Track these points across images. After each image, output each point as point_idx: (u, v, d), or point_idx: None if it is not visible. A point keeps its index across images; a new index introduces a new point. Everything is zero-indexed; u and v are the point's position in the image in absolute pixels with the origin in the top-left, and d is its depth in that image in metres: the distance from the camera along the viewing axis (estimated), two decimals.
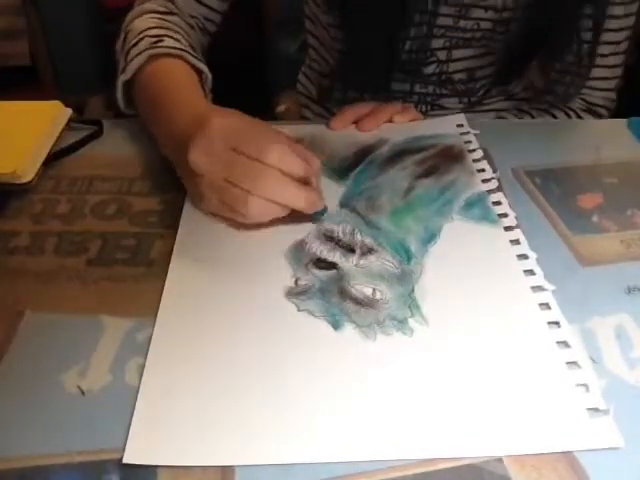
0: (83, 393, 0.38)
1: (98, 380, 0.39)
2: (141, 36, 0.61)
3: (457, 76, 0.72)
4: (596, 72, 0.71)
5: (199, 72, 0.60)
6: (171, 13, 0.67)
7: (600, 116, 0.76)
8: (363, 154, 0.58)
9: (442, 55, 0.70)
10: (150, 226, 0.51)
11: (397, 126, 0.62)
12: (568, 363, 0.39)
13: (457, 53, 0.69)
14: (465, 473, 0.34)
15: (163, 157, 0.56)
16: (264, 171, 0.45)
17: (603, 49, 0.68)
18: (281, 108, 1.05)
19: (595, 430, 0.36)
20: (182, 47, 0.60)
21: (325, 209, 0.49)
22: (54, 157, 0.58)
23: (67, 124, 0.62)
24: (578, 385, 0.38)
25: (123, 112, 0.62)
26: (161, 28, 0.63)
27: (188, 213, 0.51)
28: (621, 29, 0.68)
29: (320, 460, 0.35)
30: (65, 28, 1.75)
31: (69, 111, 0.63)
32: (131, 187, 0.55)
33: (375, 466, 0.35)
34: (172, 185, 0.55)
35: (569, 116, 0.74)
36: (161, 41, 0.60)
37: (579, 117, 0.75)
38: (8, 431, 0.37)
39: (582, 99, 0.75)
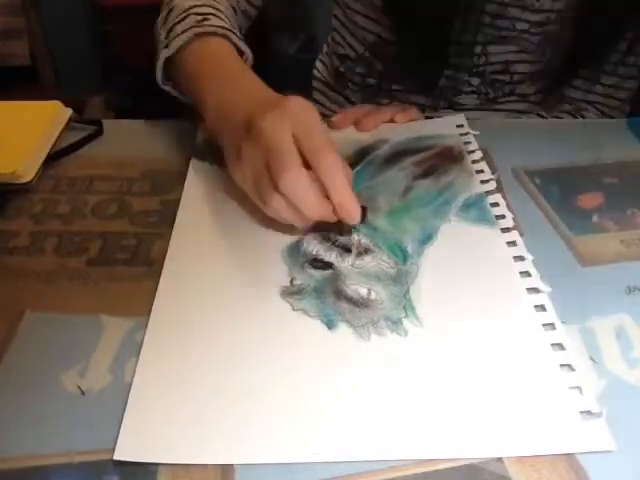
0: (83, 393, 0.39)
1: (98, 380, 0.39)
2: (187, 13, 0.61)
3: (491, 68, 0.72)
4: (613, 80, 0.71)
5: (241, 53, 0.60)
6: None
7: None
8: (362, 154, 0.58)
9: (477, 49, 0.70)
10: (150, 226, 0.51)
11: (397, 126, 0.62)
12: (562, 365, 0.39)
13: (492, 49, 0.69)
14: (465, 473, 0.34)
15: (169, 156, 0.56)
16: (297, 169, 0.44)
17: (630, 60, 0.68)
18: None
19: (587, 433, 0.36)
20: (227, 26, 0.60)
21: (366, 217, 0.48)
22: (54, 157, 0.58)
23: (67, 124, 0.62)
24: (572, 388, 0.38)
25: (160, 86, 0.61)
26: (206, 6, 0.62)
27: (184, 213, 0.51)
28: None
29: (319, 459, 0.35)
30: (65, 28, 1.75)
31: (69, 111, 0.63)
32: (131, 187, 0.55)
33: (375, 466, 0.35)
34: (172, 185, 0.55)
35: None
36: (207, 19, 0.60)
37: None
38: (8, 431, 0.37)
39: (597, 108, 0.74)
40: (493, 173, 0.55)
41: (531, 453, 0.35)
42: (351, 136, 0.61)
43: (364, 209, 0.47)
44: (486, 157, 0.57)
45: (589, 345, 0.41)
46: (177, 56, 0.58)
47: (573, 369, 0.39)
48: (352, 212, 0.45)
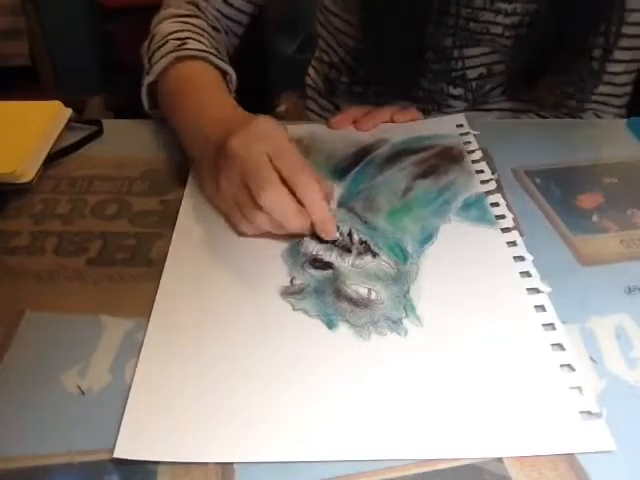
0: (83, 393, 0.39)
1: (98, 380, 0.39)
2: (166, 39, 0.62)
3: (473, 72, 0.71)
4: (610, 90, 0.71)
5: (224, 73, 0.61)
6: (195, 16, 0.68)
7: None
8: (362, 154, 0.58)
9: (455, 53, 0.69)
10: (150, 226, 0.51)
11: (396, 126, 0.62)
12: (562, 366, 0.39)
13: (468, 51, 0.69)
14: (465, 473, 0.34)
15: (169, 156, 0.56)
16: (278, 187, 0.45)
17: (617, 67, 0.68)
18: (281, 108, 1.05)
19: (587, 433, 0.36)
20: (205, 49, 0.61)
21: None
22: (54, 157, 0.58)
23: (67, 124, 0.62)
24: (572, 388, 0.38)
25: (147, 113, 0.63)
26: (185, 31, 0.64)
27: (185, 212, 0.51)
28: (631, 48, 0.67)
29: (319, 459, 0.35)
30: (65, 28, 1.75)
31: (69, 111, 0.63)
32: (131, 187, 0.55)
33: (375, 466, 0.35)
34: (172, 185, 0.55)
35: None
36: (185, 44, 0.61)
37: None
38: (8, 431, 0.37)
39: (596, 115, 0.74)
40: (493, 173, 0.55)
41: (531, 453, 0.35)
42: (351, 136, 0.61)
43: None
44: (486, 157, 0.57)
45: (589, 345, 0.41)
46: (159, 81, 0.60)
47: (573, 369, 0.39)
48: (329, 230, 0.47)
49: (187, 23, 0.66)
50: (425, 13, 0.64)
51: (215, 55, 0.61)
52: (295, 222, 0.46)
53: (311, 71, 0.87)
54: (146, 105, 0.62)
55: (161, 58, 0.60)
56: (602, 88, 0.71)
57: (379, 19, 0.66)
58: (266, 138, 0.47)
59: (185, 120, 0.56)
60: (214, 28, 0.69)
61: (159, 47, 0.62)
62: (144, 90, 0.61)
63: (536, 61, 0.67)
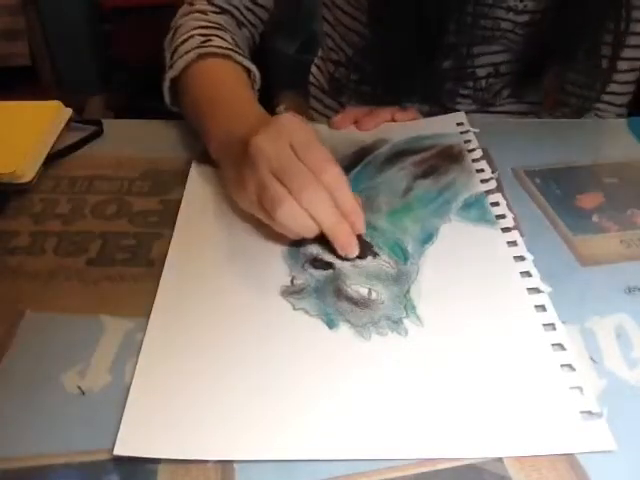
0: (83, 393, 0.39)
1: (98, 380, 0.39)
2: (190, 34, 0.62)
3: (482, 71, 0.71)
4: (613, 88, 0.71)
5: (247, 70, 0.61)
6: (220, 12, 0.68)
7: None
8: (363, 154, 0.58)
9: (464, 51, 0.69)
10: (150, 226, 0.51)
11: (397, 126, 0.62)
12: (563, 365, 0.39)
13: (477, 49, 0.69)
14: (465, 473, 0.34)
15: (169, 156, 0.56)
16: (314, 183, 0.44)
17: (621, 65, 0.68)
18: (281, 108, 1.05)
19: (588, 433, 0.36)
20: (229, 47, 0.61)
21: (366, 254, 0.47)
22: (54, 157, 0.58)
23: (67, 124, 0.62)
24: (572, 388, 0.38)
25: (169, 108, 0.62)
26: (209, 28, 0.64)
27: (185, 212, 0.51)
28: (636, 46, 0.67)
29: (318, 458, 0.35)
30: (65, 28, 1.75)
31: (69, 111, 0.63)
32: (131, 187, 0.55)
33: (375, 466, 0.35)
34: (172, 185, 0.55)
35: None
36: (209, 40, 0.61)
37: None
38: (8, 431, 0.37)
39: (597, 115, 0.74)
40: (493, 172, 0.55)
41: (531, 453, 0.35)
42: (351, 136, 0.61)
43: (369, 244, 0.48)
44: (486, 157, 0.57)
45: (589, 345, 0.41)
46: (181, 77, 0.60)
47: (573, 369, 0.39)
48: (357, 222, 0.46)
49: (211, 19, 0.66)
50: (445, 11, 0.64)
51: (238, 53, 0.61)
52: (331, 215, 0.44)
53: (315, 70, 0.87)
54: (168, 100, 0.62)
55: (185, 54, 0.59)
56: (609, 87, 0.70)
57: (392, 17, 0.65)
58: (292, 134, 0.46)
59: (208, 119, 0.55)
60: (240, 23, 0.69)
61: (183, 42, 0.61)
62: (166, 85, 0.61)
63: (544, 59, 0.67)
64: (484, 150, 0.58)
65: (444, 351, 0.40)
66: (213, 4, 0.68)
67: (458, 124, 0.62)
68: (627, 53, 0.67)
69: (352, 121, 0.62)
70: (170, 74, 0.60)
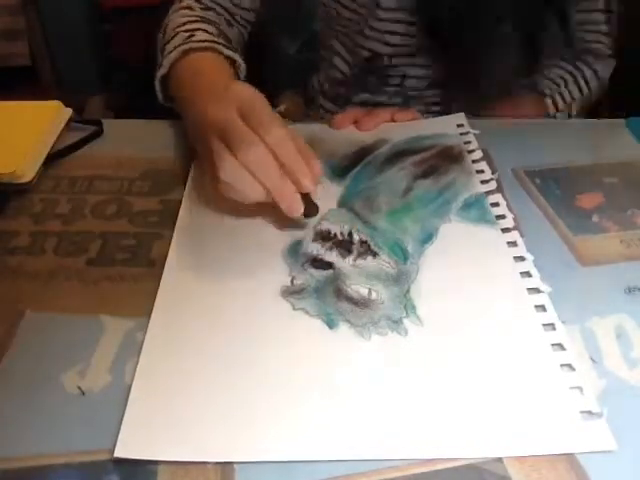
0: (83, 393, 0.39)
1: (98, 380, 0.39)
2: (175, 32, 0.64)
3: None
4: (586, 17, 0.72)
5: (233, 62, 0.62)
6: (207, 8, 0.70)
7: (597, 55, 0.75)
8: (363, 154, 0.58)
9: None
10: (150, 226, 0.51)
11: (397, 126, 0.62)
12: (562, 365, 0.39)
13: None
14: (465, 473, 0.34)
15: (169, 156, 0.56)
16: (255, 141, 0.44)
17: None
18: (281, 108, 1.05)
19: (588, 433, 0.36)
20: (213, 39, 0.62)
21: (311, 214, 0.48)
22: (54, 157, 0.58)
23: (67, 124, 0.62)
24: (572, 388, 0.38)
25: (163, 104, 0.63)
26: (194, 22, 0.65)
27: (185, 212, 0.51)
28: None
29: (318, 458, 0.35)
30: (65, 28, 1.75)
31: (69, 111, 0.63)
32: (131, 187, 0.55)
33: (375, 466, 0.35)
34: (172, 185, 0.55)
35: (573, 68, 0.74)
36: (193, 35, 0.62)
37: (581, 60, 0.75)
38: (8, 431, 0.37)
39: (584, 38, 0.74)
40: (493, 173, 0.55)
41: (531, 453, 0.35)
42: (351, 136, 0.61)
43: (315, 206, 0.48)
44: (486, 157, 0.57)
45: (589, 345, 0.41)
46: (170, 74, 0.61)
47: (573, 369, 0.39)
48: (302, 180, 0.45)
49: (197, 15, 0.67)
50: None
51: (223, 44, 0.62)
52: (272, 174, 0.45)
53: (315, 81, 0.87)
54: (160, 97, 0.63)
55: (171, 51, 0.61)
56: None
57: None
58: (238, 99, 0.46)
59: (188, 109, 0.56)
60: (228, 23, 0.71)
61: (169, 40, 0.63)
62: (157, 84, 0.62)
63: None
64: (484, 151, 0.58)
65: (444, 351, 0.40)
66: (200, 1, 0.70)
67: (458, 125, 0.62)
68: None
69: (352, 121, 0.62)
70: (159, 73, 0.61)
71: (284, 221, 0.49)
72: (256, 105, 0.46)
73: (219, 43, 0.61)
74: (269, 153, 0.44)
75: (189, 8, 0.69)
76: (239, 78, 0.62)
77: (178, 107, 0.60)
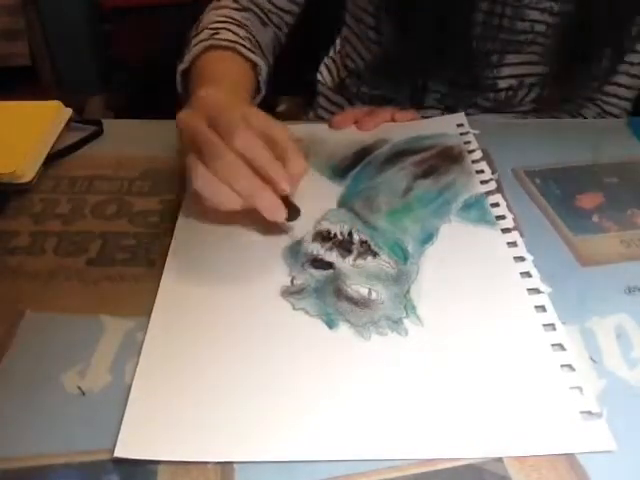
0: (83, 393, 0.39)
1: (98, 380, 0.39)
2: (203, 28, 0.64)
3: (504, 83, 0.70)
4: (617, 78, 0.70)
5: (254, 65, 0.62)
6: (242, 9, 0.69)
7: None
8: (363, 154, 0.58)
9: (495, 59, 0.67)
10: (150, 226, 0.51)
11: (397, 126, 0.62)
12: (563, 366, 0.39)
13: (509, 57, 0.67)
14: (465, 473, 0.34)
15: (169, 156, 0.56)
16: (223, 149, 0.43)
17: (633, 57, 0.67)
18: (281, 108, 1.05)
19: (588, 433, 0.36)
20: (236, 40, 0.62)
21: (293, 217, 0.47)
22: (54, 157, 0.58)
23: (67, 124, 0.62)
24: (572, 388, 0.38)
25: (183, 98, 0.63)
26: (223, 22, 0.65)
27: (185, 212, 0.51)
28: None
29: (318, 458, 0.35)
30: (65, 28, 1.75)
31: (69, 111, 0.63)
32: (131, 187, 0.55)
33: (375, 466, 0.35)
34: (172, 185, 0.55)
35: None
36: (217, 33, 0.62)
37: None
38: (8, 431, 0.37)
39: (597, 105, 0.74)
40: (493, 173, 0.55)
41: (531, 453, 0.35)
42: (351, 136, 0.61)
43: (296, 208, 0.47)
44: (486, 157, 0.57)
45: (589, 345, 0.41)
46: (191, 69, 0.62)
47: (573, 369, 0.39)
48: (279, 183, 0.44)
49: (229, 14, 0.67)
50: (469, 11, 0.62)
51: (245, 46, 0.62)
52: (245, 180, 0.43)
53: (324, 69, 0.86)
54: (180, 90, 0.64)
55: (195, 46, 0.61)
56: (617, 78, 0.69)
57: (410, 20, 0.64)
58: (205, 107, 0.46)
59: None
60: (263, 22, 0.70)
61: (195, 36, 0.64)
62: (178, 77, 0.63)
63: (574, 67, 0.66)
64: (484, 151, 0.58)
65: (444, 351, 0.40)
66: (237, 1, 0.69)
67: (458, 125, 0.62)
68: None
69: (352, 121, 0.62)
70: (180, 67, 0.62)
71: (269, 227, 0.48)
72: (222, 112, 0.45)
73: (242, 45, 0.62)
74: (238, 159, 0.43)
75: (225, 7, 0.68)
76: (259, 82, 0.62)
77: None
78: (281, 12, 0.72)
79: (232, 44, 0.61)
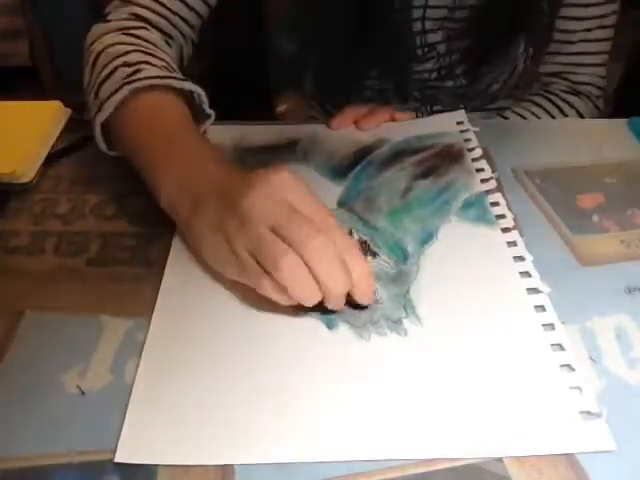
0: (83, 393, 0.39)
1: (98, 380, 0.39)
2: (114, 65, 0.53)
3: (459, 68, 0.72)
4: (578, 47, 0.72)
5: (191, 93, 0.53)
6: (142, 27, 0.60)
7: (589, 96, 0.75)
8: (362, 154, 0.58)
9: (441, 48, 0.69)
10: (150, 226, 0.51)
11: (397, 126, 0.62)
12: (562, 366, 0.39)
13: (456, 44, 0.69)
14: (465, 473, 0.34)
15: None
16: (321, 234, 0.38)
17: (574, 25, 0.70)
18: (281, 108, 1.05)
19: (588, 433, 0.36)
20: (163, 74, 0.52)
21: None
22: (54, 157, 0.58)
23: (67, 124, 0.62)
24: (572, 388, 0.38)
25: (105, 153, 0.53)
26: (135, 52, 0.54)
27: None
28: (589, 5, 0.70)
29: (318, 459, 0.35)
30: (65, 28, 1.75)
31: (69, 111, 0.63)
32: (131, 187, 0.55)
33: (375, 466, 0.35)
34: None
35: (552, 102, 0.74)
36: (138, 71, 0.51)
37: (564, 101, 0.75)
38: (8, 431, 0.37)
39: (565, 78, 0.75)
40: (493, 172, 0.55)
41: (531, 453, 0.35)
42: (351, 136, 0.61)
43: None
44: (486, 157, 0.57)
45: (589, 345, 0.41)
46: (114, 119, 0.51)
47: (573, 369, 0.39)
48: (368, 291, 0.41)
49: (136, 38, 0.57)
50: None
51: (175, 78, 0.52)
52: (311, 300, 0.39)
53: (308, 85, 0.87)
54: (103, 147, 0.53)
55: (113, 93, 0.50)
56: (570, 47, 0.72)
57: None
58: (286, 190, 0.40)
59: (155, 168, 0.48)
60: (168, 36, 0.62)
61: (107, 77, 0.52)
62: (97, 130, 0.51)
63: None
64: (484, 149, 0.58)
65: (443, 351, 0.40)
66: (135, 16, 0.60)
67: (458, 123, 0.62)
68: (573, 12, 0.70)
69: (352, 121, 0.62)
70: (99, 118, 0.51)
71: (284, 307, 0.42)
72: (311, 199, 0.40)
73: (172, 77, 0.52)
74: (336, 252, 0.38)
75: (121, 29, 0.58)
76: (204, 111, 0.54)
77: (128, 156, 0.52)
78: (190, 13, 0.64)
79: (161, 80, 0.51)
